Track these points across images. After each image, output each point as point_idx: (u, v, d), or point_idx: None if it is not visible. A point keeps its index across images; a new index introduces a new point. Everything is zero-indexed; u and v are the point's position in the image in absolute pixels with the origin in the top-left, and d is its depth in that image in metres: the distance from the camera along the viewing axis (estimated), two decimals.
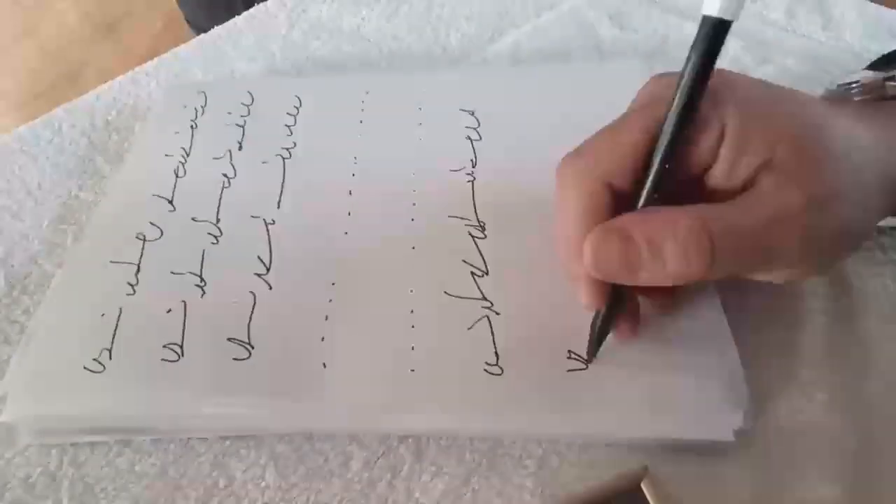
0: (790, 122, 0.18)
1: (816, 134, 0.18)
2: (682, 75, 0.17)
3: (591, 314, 0.21)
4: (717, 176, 0.18)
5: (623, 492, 0.18)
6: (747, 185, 0.18)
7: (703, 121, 0.18)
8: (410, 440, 0.21)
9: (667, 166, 0.18)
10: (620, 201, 0.19)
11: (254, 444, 0.22)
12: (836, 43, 0.33)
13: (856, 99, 0.22)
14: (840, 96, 0.22)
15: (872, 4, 0.35)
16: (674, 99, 0.17)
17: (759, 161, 0.18)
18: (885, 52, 0.25)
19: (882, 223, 0.23)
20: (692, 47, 0.17)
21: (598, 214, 0.19)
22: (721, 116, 0.18)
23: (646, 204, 0.18)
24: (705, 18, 0.17)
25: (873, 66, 0.24)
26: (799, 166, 0.17)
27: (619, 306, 0.20)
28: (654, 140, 0.18)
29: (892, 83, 0.21)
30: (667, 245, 0.17)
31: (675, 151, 0.18)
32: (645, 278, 0.18)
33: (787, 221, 0.17)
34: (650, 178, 0.18)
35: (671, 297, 0.22)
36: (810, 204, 0.17)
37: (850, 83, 0.22)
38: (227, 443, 0.22)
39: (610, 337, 0.21)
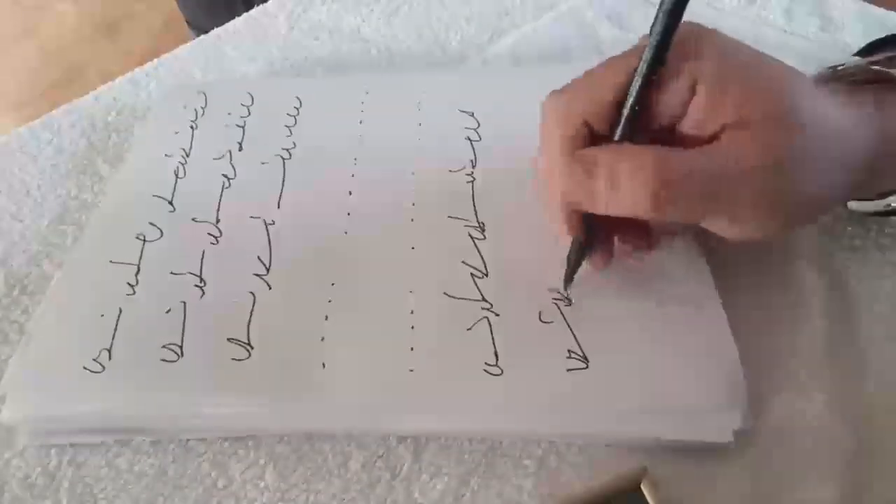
0: (762, 86, 0.19)
1: (787, 101, 0.18)
2: (653, 25, 0.18)
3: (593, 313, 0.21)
4: (688, 127, 0.19)
5: (622, 492, 0.19)
6: (714, 139, 0.19)
7: (676, 73, 0.19)
8: (409, 440, 0.21)
9: (636, 108, 0.19)
10: (597, 141, 0.20)
11: (253, 444, 0.22)
12: (835, 44, 0.33)
13: (839, 76, 0.22)
14: (824, 77, 0.23)
15: (871, 6, 0.35)
16: (646, 47, 0.19)
17: (726, 118, 0.18)
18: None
19: (853, 207, 0.24)
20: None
21: (573, 148, 0.20)
22: (694, 71, 0.19)
23: (619, 140, 0.20)
24: None
25: (860, 53, 0.25)
26: (763, 127, 0.18)
27: (591, 238, 0.22)
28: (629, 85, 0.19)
29: (875, 66, 0.21)
30: (623, 178, 0.18)
31: (645, 95, 0.19)
32: (604, 207, 0.19)
33: (741, 175, 0.18)
34: (623, 117, 0.19)
35: (644, 242, 0.22)
36: (767, 163, 0.18)
37: (836, 66, 0.23)
38: (227, 443, 0.22)
39: (609, 335, 0.21)
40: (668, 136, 0.19)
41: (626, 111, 0.19)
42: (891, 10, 0.35)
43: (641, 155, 0.18)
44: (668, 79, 0.19)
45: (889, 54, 0.22)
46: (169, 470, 0.21)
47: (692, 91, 0.19)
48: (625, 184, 0.18)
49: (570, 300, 0.23)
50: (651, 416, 0.20)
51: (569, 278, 0.22)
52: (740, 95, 0.18)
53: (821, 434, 0.20)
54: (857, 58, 0.23)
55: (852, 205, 0.24)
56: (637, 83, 0.19)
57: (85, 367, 0.22)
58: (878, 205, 0.24)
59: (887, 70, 0.21)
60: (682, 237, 0.24)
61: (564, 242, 0.22)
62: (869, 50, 0.25)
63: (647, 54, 0.19)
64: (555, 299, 0.23)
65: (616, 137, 0.20)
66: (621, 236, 0.22)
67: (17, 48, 1.25)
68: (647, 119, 0.19)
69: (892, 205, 0.23)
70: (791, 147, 0.18)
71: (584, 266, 0.23)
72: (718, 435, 0.20)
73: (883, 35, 0.25)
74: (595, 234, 0.22)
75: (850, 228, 0.25)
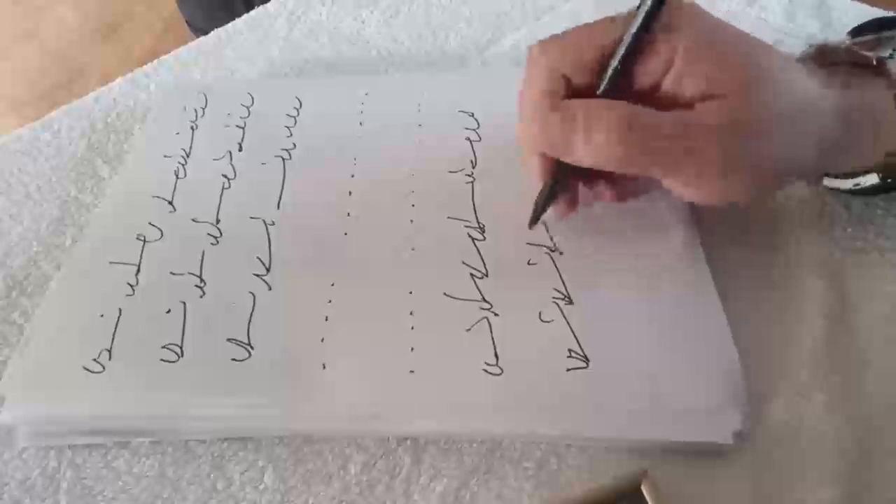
0: (734, 60, 0.20)
1: (755, 73, 0.20)
2: None
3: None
4: (664, 95, 0.21)
5: (622, 494, 0.18)
6: (687, 107, 0.20)
7: (655, 43, 0.20)
8: (409, 442, 0.21)
9: (619, 69, 0.20)
10: (574, 95, 0.21)
11: (252, 446, 0.22)
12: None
13: (820, 55, 0.23)
14: (806, 56, 0.24)
15: (871, 7, 0.35)
16: (634, 15, 0.20)
17: (699, 88, 0.20)
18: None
19: (827, 184, 0.25)
20: None
21: (553, 99, 0.21)
22: (672, 42, 0.20)
23: (600, 96, 0.21)
24: None
25: (852, 33, 0.25)
26: (732, 97, 0.19)
27: (561, 184, 0.23)
28: (614, 47, 0.20)
29: (855, 48, 0.22)
30: (597, 129, 0.20)
31: (629, 59, 0.20)
32: (577, 156, 0.21)
33: (706, 136, 0.19)
34: (606, 76, 0.21)
35: (613, 191, 0.24)
36: (731, 129, 0.19)
37: (819, 45, 0.24)
38: (226, 444, 0.22)
39: (610, 335, 0.21)
40: (647, 103, 0.21)
41: (609, 71, 0.21)
42: (889, 10, 0.35)
43: (616, 109, 0.20)
44: (647, 47, 0.20)
45: (877, 35, 0.23)
46: (168, 471, 0.21)
47: (669, 61, 0.20)
48: (597, 135, 0.20)
49: (570, 299, 0.23)
50: (651, 416, 0.20)
51: (533, 220, 0.24)
52: (712, 68, 0.20)
53: (821, 435, 0.20)
54: (847, 37, 0.24)
55: (827, 182, 0.25)
56: (624, 46, 0.20)
57: (85, 368, 0.22)
58: (846, 183, 0.25)
59: (860, 51, 0.22)
60: (680, 234, 0.24)
61: (537, 186, 0.24)
62: (860, 31, 0.25)
63: (637, 21, 0.20)
64: (555, 299, 0.23)
65: (598, 93, 0.21)
66: (590, 187, 0.24)
67: (18, 49, 1.25)
68: (627, 84, 0.21)
69: (861, 184, 0.24)
70: (756, 117, 0.19)
71: (585, 267, 0.23)
72: (718, 436, 0.20)
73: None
74: (564, 183, 0.23)
75: (849, 230, 0.25)
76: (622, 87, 0.21)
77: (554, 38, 0.22)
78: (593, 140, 0.20)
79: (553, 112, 0.21)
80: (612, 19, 0.21)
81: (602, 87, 0.21)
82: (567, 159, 0.21)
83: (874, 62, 0.22)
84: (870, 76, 0.22)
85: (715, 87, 0.19)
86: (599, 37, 0.21)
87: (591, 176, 0.23)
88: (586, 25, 0.21)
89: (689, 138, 0.19)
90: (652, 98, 0.20)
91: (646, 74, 0.20)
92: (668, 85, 0.20)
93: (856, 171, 0.24)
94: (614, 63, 0.20)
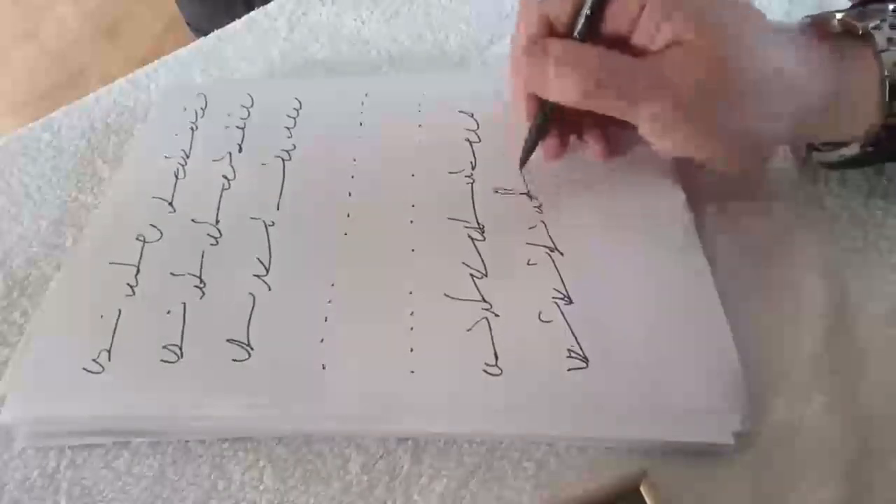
0: (707, 17, 0.21)
1: (728, 31, 0.21)
2: None
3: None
4: (637, 42, 0.22)
5: (622, 494, 0.18)
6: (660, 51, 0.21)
7: None
8: (409, 442, 0.21)
9: (590, 14, 0.22)
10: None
11: (252, 446, 0.22)
12: None
13: (816, 24, 0.23)
14: (802, 26, 0.24)
15: None
16: None
17: (667, 38, 0.21)
18: None
19: (816, 158, 0.26)
20: None
21: (535, 39, 0.23)
22: None
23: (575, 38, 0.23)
24: None
25: (856, 4, 0.26)
26: (700, 50, 0.21)
27: (546, 125, 0.25)
28: None
29: (847, 19, 0.23)
30: (567, 67, 0.22)
31: (599, 5, 0.22)
32: (551, 92, 0.23)
33: (669, 83, 0.21)
34: (580, 21, 0.22)
35: (603, 144, 0.26)
36: (696, 79, 0.21)
37: (814, 15, 0.24)
38: (226, 445, 0.22)
39: (610, 335, 0.21)
40: (622, 49, 0.22)
41: (581, 17, 0.22)
42: None
43: (585, 50, 0.22)
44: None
45: (863, 8, 0.23)
46: (168, 471, 0.21)
47: (640, 9, 0.21)
48: (568, 72, 0.21)
49: (569, 299, 0.23)
50: (651, 416, 0.20)
51: (522, 161, 0.26)
52: (683, 20, 0.21)
53: (821, 435, 0.20)
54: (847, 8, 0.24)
55: (815, 155, 0.26)
56: None
57: (84, 368, 0.22)
58: (831, 156, 0.25)
59: (851, 21, 0.22)
60: (680, 235, 0.24)
61: (524, 122, 0.25)
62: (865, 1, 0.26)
63: None
64: (554, 298, 0.23)
65: (574, 35, 0.23)
66: (578, 136, 0.26)
67: (18, 50, 1.25)
68: (602, 29, 0.22)
69: (845, 154, 0.24)
70: (721, 73, 0.21)
71: (584, 267, 0.23)
72: (718, 436, 0.20)
73: None
74: (550, 128, 0.25)
75: (849, 229, 0.25)
76: (600, 35, 0.22)
77: None
78: (564, 76, 0.22)
79: (531, 51, 0.23)
80: None
81: (577, 31, 0.22)
82: (542, 94, 0.23)
83: (860, 32, 0.22)
84: (859, 46, 0.22)
85: (681, 34, 0.21)
86: None
87: (578, 126, 0.26)
88: None
89: (652, 79, 0.21)
90: (626, 46, 0.22)
91: (617, 21, 0.22)
92: (639, 33, 0.22)
93: (842, 142, 0.24)
94: (585, 9, 0.22)
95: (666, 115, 0.21)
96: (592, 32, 0.22)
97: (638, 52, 0.22)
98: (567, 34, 0.23)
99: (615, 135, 0.26)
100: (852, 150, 0.24)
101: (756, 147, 0.23)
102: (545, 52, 0.22)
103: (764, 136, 0.23)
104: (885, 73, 0.21)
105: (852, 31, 0.22)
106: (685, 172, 0.26)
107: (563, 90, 0.22)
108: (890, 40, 0.22)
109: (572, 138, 0.26)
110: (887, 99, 0.22)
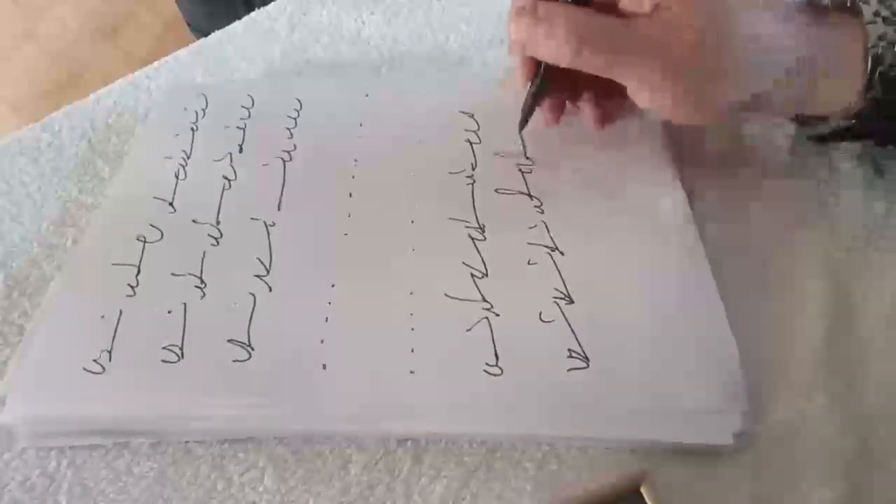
0: None
1: None
2: None
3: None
4: (626, 7, 0.23)
5: (622, 494, 0.18)
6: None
7: None
8: (409, 443, 0.21)
9: None
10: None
11: (252, 446, 0.22)
12: None
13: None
14: None
15: None
16: None
17: (656, 1, 0.22)
18: None
19: (808, 133, 0.26)
20: None
21: (529, 1, 0.24)
22: None
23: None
24: None
25: None
26: (682, 13, 0.22)
27: (544, 89, 0.26)
28: None
29: None
30: (556, 28, 0.23)
31: None
32: (542, 52, 0.24)
33: (651, 44, 0.22)
34: None
35: (597, 111, 0.27)
36: (677, 41, 0.22)
37: None
38: (226, 445, 0.22)
39: (610, 335, 0.21)
40: (611, 14, 0.23)
41: None
42: None
43: (574, 11, 0.23)
44: None
45: None
46: (168, 472, 0.21)
47: None
48: (557, 33, 0.22)
49: (570, 299, 0.23)
50: (651, 417, 0.20)
51: (522, 124, 0.27)
52: None
53: (821, 435, 0.20)
54: None
55: (805, 131, 0.27)
56: None
57: (85, 369, 0.22)
58: (817, 129, 0.26)
59: None
60: (682, 235, 0.24)
61: (522, 88, 0.26)
62: None
63: None
64: (555, 298, 0.23)
65: None
66: (574, 102, 0.27)
67: (18, 50, 1.25)
68: None
69: (829, 127, 0.25)
70: (704, 36, 0.22)
71: (585, 267, 0.23)
72: (719, 437, 0.20)
73: None
74: (547, 92, 0.26)
75: (850, 229, 0.25)
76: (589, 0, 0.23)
77: None
78: (554, 36, 0.23)
79: (523, 13, 0.23)
80: None
81: None
82: (534, 54, 0.24)
83: (848, 4, 0.23)
84: (847, 18, 0.23)
85: (667, 2, 0.22)
86: None
87: (575, 93, 0.27)
88: None
89: (638, 41, 0.22)
90: (615, 11, 0.23)
91: None
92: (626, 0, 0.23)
93: (825, 115, 0.25)
94: None
95: (652, 77, 0.22)
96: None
97: (626, 17, 0.23)
98: None
99: (608, 105, 0.27)
100: (835, 122, 0.24)
101: (734, 108, 0.24)
102: (537, 13, 0.23)
103: (741, 96, 0.23)
104: (870, 45, 0.22)
105: (842, 3, 0.23)
106: (685, 168, 0.26)
107: (554, 50, 0.23)
108: (877, 14, 0.22)
109: (570, 112, 0.28)
110: (869, 71, 0.22)
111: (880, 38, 0.22)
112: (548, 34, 0.23)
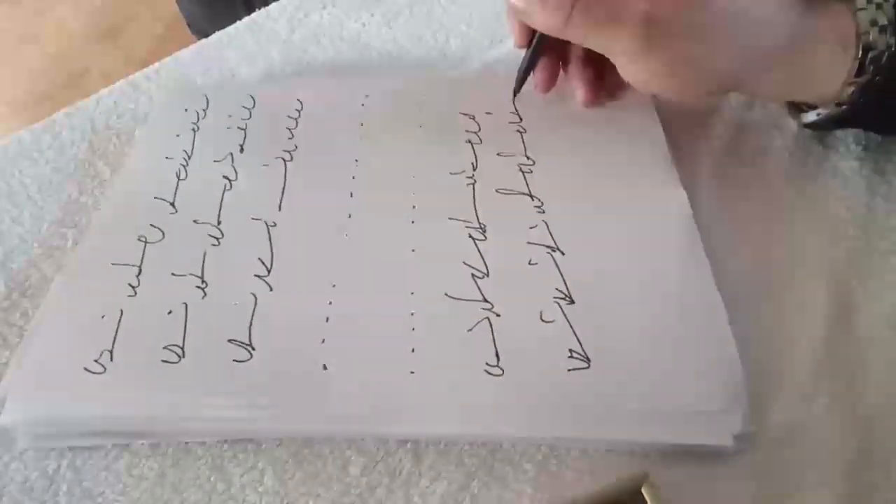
0: None
1: None
2: None
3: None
4: None
5: (623, 497, 0.18)
6: None
7: None
8: (409, 444, 0.21)
9: None
10: None
11: (252, 448, 0.21)
12: None
13: None
14: None
15: None
16: None
17: None
18: None
19: (805, 120, 0.26)
20: None
21: None
22: None
23: None
24: None
25: None
26: None
27: (538, 53, 0.27)
28: None
29: None
30: None
31: None
32: (534, 20, 0.24)
33: (636, 17, 0.22)
34: None
35: (586, 89, 0.28)
36: (661, 14, 0.22)
37: None
38: (226, 447, 0.22)
39: (612, 335, 0.21)
40: None
41: None
42: None
43: None
44: None
45: None
46: (168, 473, 0.21)
47: None
48: (550, 2, 0.23)
49: (571, 299, 0.23)
50: (652, 418, 0.20)
51: (517, 88, 0.28)
52: None
53: (822, 437, 0.20)
54: None
55: (803, 117, 0.27)
56: None
57: (86, 369, 0.22)
58: (810, 115, 0.26)
59: None
60: (682, 236, 0.24)
61: (520, 48, 0.27)
62: None
63: None
64: (556, 298, 0.23)
65: None
66: (566, 71, 0.28)
67: (19, 51, 1.25)
68: None
69: (821, 114, 0.25)
70: (690, 6, 0.22)
71: (586, 267, 0.23)
72: (719, 438, 0.20)
73: None
74: (539, 59, 0.28)
75: (851, 231, 0.25)
76: None
77: None
78: (546, 8, 0.23)
79: None
80: None
81: None
82: (529, 22, 0.25)
83: None
84: (838, 2, 0.23)
85: None
86: None
87: (566, 60, 0.28)
88: None
89: (624, 11, 0.22)
90: None
91: None
92: None
93: (820, 101, 0.25)
94: None
95: (634, 46, 0.23)
96: None
97: None
98: None
99: (599, 85, 0.28)
100: (827, 108, 0.24)
101: (720, 82, 0.24)
102: None
103: (729, 71, 0.23)
104: (862, 31, 0.22)
105: None
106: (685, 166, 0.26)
107: (546, 20, 0.24)
108: (869, 0, 0.22)
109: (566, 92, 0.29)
110: (860, 56, 0.22)
111: (872, 23, 0.22)
112: (542, 4, 0.23)
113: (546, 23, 0.24)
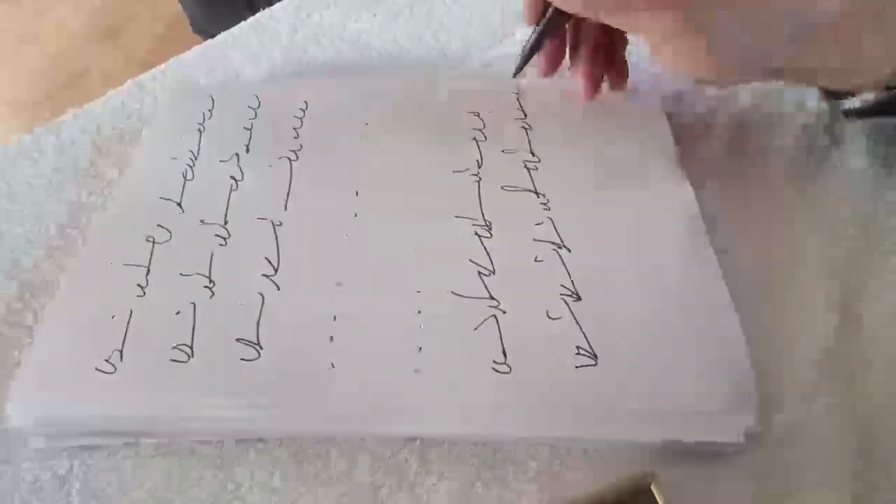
0: None
1: None
2: None
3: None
4: None
5: (629, 494, 0.18)
6: None
7: None
8: (416, 443, 0.21)
9: None
10: None
11: (260, 447, 0.22)
12: None
13: None
14: None
15: None
16: None
17: None
18: None
19: (847, 106, 0.25)
20: None
21: None
22: None
23: None
24: None
25: None
26: None
27: (546, 33, 0.26)
28: None
29: None
30: None
31: None
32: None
33: None
34: None
35: (590, 83, 0.27)
36: None
37: None
38: (233, 446, 0.22)
39: (619, 332, 0.21)
40: None
41: None
42: None
43: None
44: None
45: None
46: (176, 473, 0.21)
47: None
48: None
49: (578, 295, 0.23)
50: (660, 415, 0.20)
51: (519, 67, 0.27)
52: None
53: (828, 437, 0.20)
54: None
55: (843, 103, 0.25)
56: None
57: (97, 369, 0.22)
58: (854, 102, 0.24)
59: None
60: (689, 235, 0.24)
61: (530, 23, 0.26)
62: None
63: None
64: (562, 295, 0.23)
65: None
66: (573, 57, 0.27)
67: (19, 52, 1.25)
68: None
69: (866, 100, 0.23)
70: None
71: (592, 264, 0.23)
72: (728, 436, 0.20)
73: None
74: (545, 39, 0.26)
75: (851, 231, 0.25)
76: None
77: None
78: None
79: None
80: None
81: None
82: None
83: None
84: None
85: None
86: None
87: (575, 43, 0.27)
88: None
89: None
90: None
91: None
92: None
93: (868, 84, 0.23)
94: None
95: (665, 27, 0.21)
96: None
97: None
98: None
99: (603, 71, 0.27)
100: (868, 94, 0.23)
101: (764, 64, 0.22)
102: None
103: (773, 52, 0.21)
104: None
105: None
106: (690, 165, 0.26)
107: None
108: None
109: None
110: None
111: None
112: None
113: (568, 2, 0.22)
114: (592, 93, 0.28)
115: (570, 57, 0.28)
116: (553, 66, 0.27)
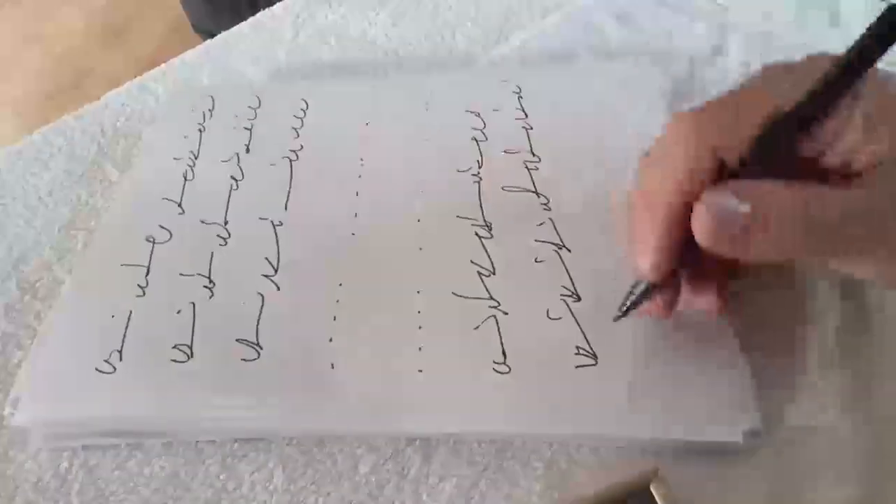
0: None
1: None
2: (846, 55, 0.16)
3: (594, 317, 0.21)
4: (832, 161, 0.17)
5: (632, 493, 0.18)
6: (864, 174, 0.17)
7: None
8: (418, 442, 0.21)
9: (795, 143, 0.17)
10: (723, 175, 0.18)
11: (262, 446, 0.22)
12: (844, 40, 0.33)
13: None
14: None
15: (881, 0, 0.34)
16: (823, 77, 0.16)
17: (882, 153, 0.16)
18: None
19: None
20: (867, 29, 0.16)
21: (699, 179, 0.17)
22: (851, 111, 0.17)
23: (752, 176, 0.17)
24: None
25: None
26: None
27: (666, 282, 0.20)
28: (775, 119, 0.17)
29: None
30: (777, 218, 0.16)
31: (803, 134, 0.17)
32: (754, 251, 0.17)
33: (878, 215, 0.16)
34: (771, 152, 0.17)
35: (718, 297, 0.20)
36: None
37: None
38: (236, 445, 0.22)
39: (619, 333, 0.21)
40: (804, 169, 0.17)
41: (779, 144, 0.17)
42: None
43: (798, 193, 0.16)
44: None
45: None
46: (179, 472, 0.21)
47: (839, 131, 0.17)
48: (778, 224, 0.16)
49: (578, 296, 0.23)
50: (661, 415, 0.20)
51: (623, 315, 0.20)
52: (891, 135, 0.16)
53: (834, 436, 0.20)
54: None
55: None
56: (806, 112, 0.17)
57: (97, 369, 0.22)
58: None
59: None
60: None
61: (652, 280, 0.20)
62: None
63: (827, 80, 0.16)
64: (563, 296, 0.23)
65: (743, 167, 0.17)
66: (693, 288, 0.20)
67: (23, 52, 1.25)
68: (779, 158, 0.17)
69: None
70: None
71: (593, 264, 0.23)
72: (729, 435, 0.20)
73: None
74: (670, 279, 0.20)
75: None
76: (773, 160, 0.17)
77: (696, 109, 0.18)
78: (773, 231, 0.16)
79: (723, 194, 0.17)
80: (768, 83, 0.18)
81: (751, 162, 0.17)
82: (735, 255, 0.17)
83: None
84: None
85: (890, 152, 0.16)
86: (761, 106, 0.17)
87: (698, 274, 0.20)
88: (736, 93, 0.18)
89: (880, 219, 0.16)
90: (809, 172, 0.17)
91: (819, 137, 0.17)
92: (841, 149, 0.17)
93: None
94: (785, 136, 0.17)
95: (880, 260, 0.17)
96: (769, 159, 0.17)
97: (830, 175, 0.17)
98: (734, 169, 0.17)
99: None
100: None
101: None
102: (732, 197, 0.17)
103: None
104: None
105: None
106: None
107: (778, 248, 0.17)
108: None
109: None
110: None
111: None
112: (766, 230, 0.16)
113: (767, 250, 0.17)
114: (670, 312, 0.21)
115: (692, 288, 0.21)
116: (669, 310, 0.21)
